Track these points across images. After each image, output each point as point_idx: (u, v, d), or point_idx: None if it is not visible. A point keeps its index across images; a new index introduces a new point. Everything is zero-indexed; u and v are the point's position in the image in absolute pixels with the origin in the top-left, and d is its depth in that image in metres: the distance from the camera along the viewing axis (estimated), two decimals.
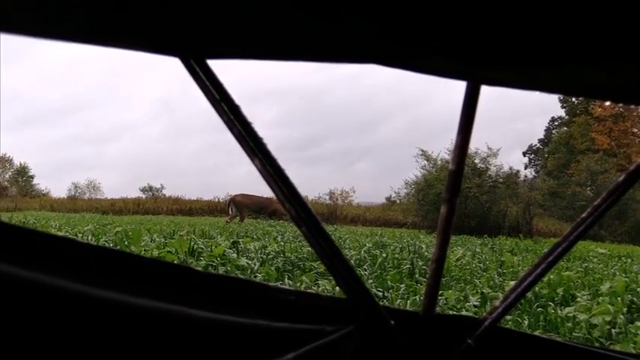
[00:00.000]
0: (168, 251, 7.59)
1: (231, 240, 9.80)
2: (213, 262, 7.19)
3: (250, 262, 7.31)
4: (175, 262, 5.68)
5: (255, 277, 6.53)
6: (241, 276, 5.62)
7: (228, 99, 0.90)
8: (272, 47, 0.90)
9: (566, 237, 1.02)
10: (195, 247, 8.00)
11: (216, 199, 38.60)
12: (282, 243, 10.09)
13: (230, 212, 22.91)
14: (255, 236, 12.54)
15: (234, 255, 7.82)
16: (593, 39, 0.71)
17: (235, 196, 23.38)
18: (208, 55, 0.89)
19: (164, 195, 44.40)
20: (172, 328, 0.85)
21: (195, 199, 39.64)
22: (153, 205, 37.26)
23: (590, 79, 0.90)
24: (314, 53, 0.91)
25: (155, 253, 7.53)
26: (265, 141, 0.91)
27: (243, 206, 22.71)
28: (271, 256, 8.26)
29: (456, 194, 0.95)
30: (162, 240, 9.30)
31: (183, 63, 0.90)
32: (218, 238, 11.01)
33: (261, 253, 8.39)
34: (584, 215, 1.01)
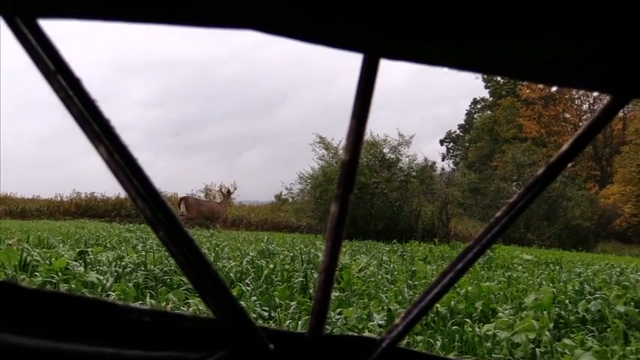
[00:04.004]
0: None
1: (78, 250, 9.49)
2: (53, 277, 6.93)
3: (102, 278, 7.12)
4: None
5: (108, 295, 6.36)
6: (88, 295, 5.46)
7: (65, 70, 0.88)
8: (123, 5, 0.88)
9: (479, 240, 1.07)
10: (28, 259, 7.68)
11: (59, 198, 37.22)
12: (144, 252, 9.90)
13: (182, 212, 25.73)
14: (108, 244, 12.23)
15: (81, 268, 7.59)
16: (511, 7, 0.76)
17: (188, 197, 27.61)
18: (40, 13, 0.86)
19: None
20: None
21: (30, 197, 38.15)
22: None
23: (507, 54, 0.95)
24: (176, 14, 0.90)
25: None
26: (113, 123, 0.90)
27: (194, 211, 26.46)
28: (129, 269, 8.10)
29: (350, 189, 0.98)
30: None
31: (7, 23, 0.86)
32: (60, 247, 10.63)
33: (115, 266, 8.19)
34: (498, 214, 1.06)
